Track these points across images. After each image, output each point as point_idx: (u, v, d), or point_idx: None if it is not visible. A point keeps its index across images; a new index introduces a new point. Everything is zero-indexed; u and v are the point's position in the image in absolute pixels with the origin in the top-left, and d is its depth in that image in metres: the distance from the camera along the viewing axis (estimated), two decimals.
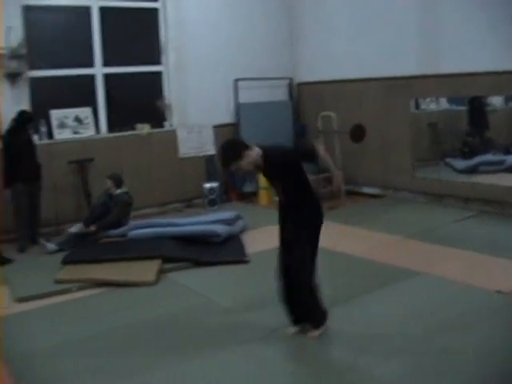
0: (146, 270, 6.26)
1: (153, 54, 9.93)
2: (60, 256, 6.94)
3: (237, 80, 10.30)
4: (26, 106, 8.31)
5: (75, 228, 7.64)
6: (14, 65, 8.32)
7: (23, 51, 8.36)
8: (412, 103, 9.31)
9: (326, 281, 4.92)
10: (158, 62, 9.95)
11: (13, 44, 8.29)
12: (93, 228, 7.52)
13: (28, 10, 8.69)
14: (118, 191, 7.87)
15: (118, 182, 7.91)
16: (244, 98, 10.48)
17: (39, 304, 5.68)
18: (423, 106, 9.61)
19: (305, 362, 4.20)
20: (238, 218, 7.96)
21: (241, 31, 10.46)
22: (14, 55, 8.28)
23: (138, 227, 7.59)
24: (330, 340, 4.48)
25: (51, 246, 7.42)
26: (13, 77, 8.39)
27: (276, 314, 4.91)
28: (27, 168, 7.69)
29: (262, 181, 9.47)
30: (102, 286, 6.01)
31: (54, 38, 9.09)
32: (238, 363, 4.20)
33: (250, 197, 10.12)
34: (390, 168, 9.61)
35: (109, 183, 7.89)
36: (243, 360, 4.25)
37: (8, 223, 7.90)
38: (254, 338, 4.61)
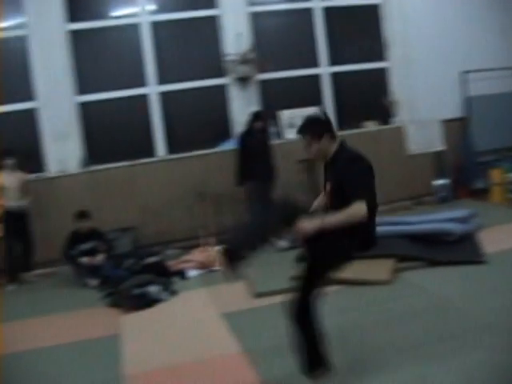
0: (381, 268, 6.10)
1: (376, 50, 9.76)
2: (292, 253, 6.99)
3: (465, 72, 9.77)
4: (255, 108, 8.57)
5: None
6: (243, 69, 8.63)
7: (252, 56, 8.63)
8: None
9: None
10: (382, 58, 9.76)
11: (242, 50, 8.60)
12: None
13: (255, 16, 8.99)
14: None
15: None
16: (472, 90, 9.90)
17: (275, 300, 5.75)
18: None
19: None
20: (471, 215, 7.51)
21: (467, 21, 9.86)
22: (243, 60, 8.60)
23: None
24: None
25: (283, 243, 7.53)
26: (243, 81, 8.71)
27: None
28: (261, 168, 7.90)
29: (495, 177, 8.98)
30: (337, 284, 5.95)
31: (279, 40, 9.31)
32: (476, 370, 3.83)
33: (481, 193, 9.55)
34: None
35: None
36: (481, 367, 3.87)
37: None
38: (494, 344, 4.19)
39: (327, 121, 3.84)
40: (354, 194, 3.50)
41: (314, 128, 3.75)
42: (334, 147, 3.74)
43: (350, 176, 3.59)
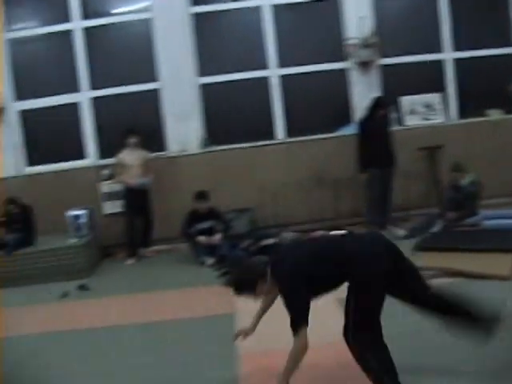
0: (501, 263, 5.82)
1: (503, 35, 9.29)
2: (408, 242, 6.85)
3: None
4: (376, 93, 8.43)
5: (436, 228, 7.46)
6: (365, 53, 8.52)
7: (374, 40, 8.50)
8: None
9: None
10: (509, 43, 9.28)
11: (364, 33, 8.48)
12: (451, 215, 7.35)
13: None
14: (465, 181, 7.53)
15: (463, 170, 7.57)
16: None
17: None
18: None
19: None
20: None
21: None
22: (365, 44, 8.48)
23: (493, 217, 7.19)
24: None
25: (400, 231, 7.40)
26: (364, 65, 8.59)
27: None
28: (382, 154, 7.79)
29: None
30: (454, 276, 5.77)
31: (402, 24, 9.08)
32: None
33: None
34: None
35: (453, 175, 7.60)
36: None
37: (361, 207, 8.12)
38: None
39: (251, 264, 3.81)
40: (291, 324, 3.53)
41: (248, 286, 3.69)
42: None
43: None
